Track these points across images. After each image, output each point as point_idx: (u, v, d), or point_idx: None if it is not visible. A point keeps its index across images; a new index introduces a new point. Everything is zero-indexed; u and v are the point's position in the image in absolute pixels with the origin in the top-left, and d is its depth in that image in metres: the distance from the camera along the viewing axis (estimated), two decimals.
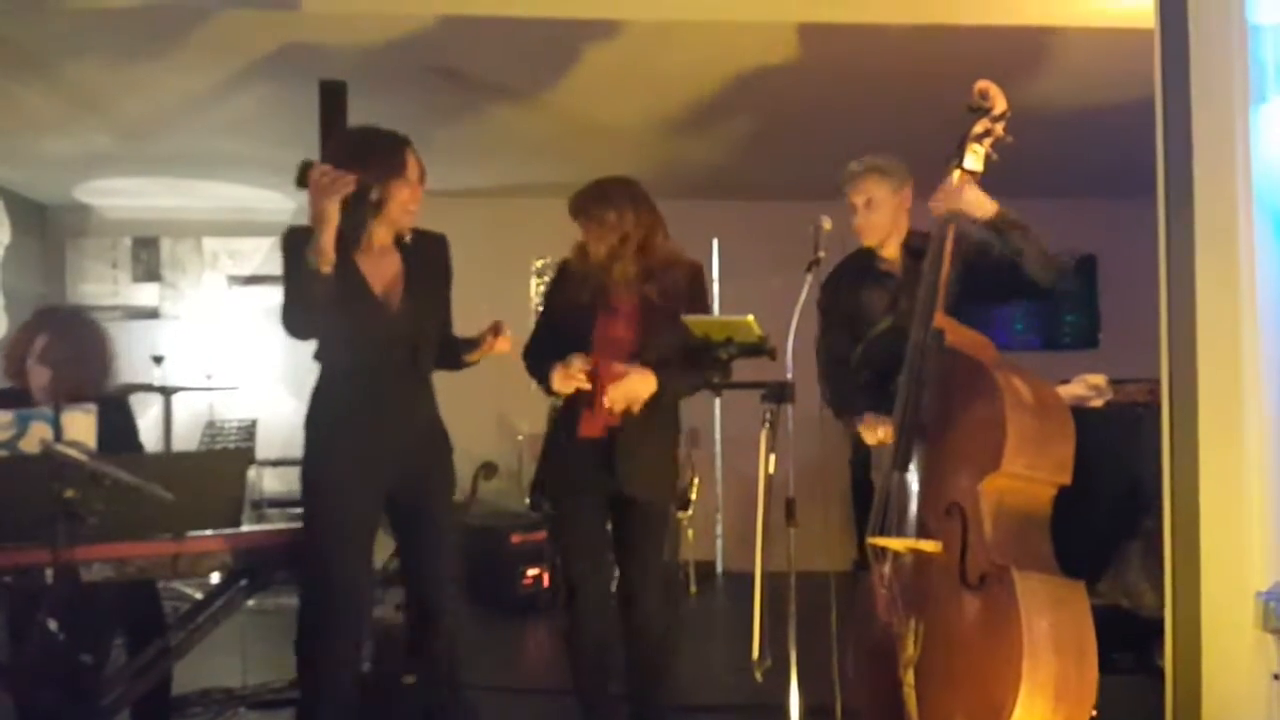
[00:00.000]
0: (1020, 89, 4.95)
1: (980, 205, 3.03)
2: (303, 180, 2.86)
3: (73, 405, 3.07)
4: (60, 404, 3.02)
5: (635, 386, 3.16)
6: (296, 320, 2.96)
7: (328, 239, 2.84)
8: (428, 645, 3.09)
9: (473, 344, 3.14)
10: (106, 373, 3.54)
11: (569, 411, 3.26)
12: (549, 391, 3.26)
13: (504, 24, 4.50)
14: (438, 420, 3.14)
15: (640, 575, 3.30)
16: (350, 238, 2.95)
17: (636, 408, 3.17)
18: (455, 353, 3.17)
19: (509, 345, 3.09)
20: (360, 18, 4.46)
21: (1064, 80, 5.13)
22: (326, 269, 2.85)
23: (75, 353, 3.44)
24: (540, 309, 3.43)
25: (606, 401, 3.16)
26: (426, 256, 3.09)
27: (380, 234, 3.02)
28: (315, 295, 2.88)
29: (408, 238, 3.05)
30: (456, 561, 3.14)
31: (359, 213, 2.94)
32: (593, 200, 3.27)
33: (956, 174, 3.03)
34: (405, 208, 2.99)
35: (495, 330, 3.09)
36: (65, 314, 3.71)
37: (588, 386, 3.15)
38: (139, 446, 3.58)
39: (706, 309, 3.36)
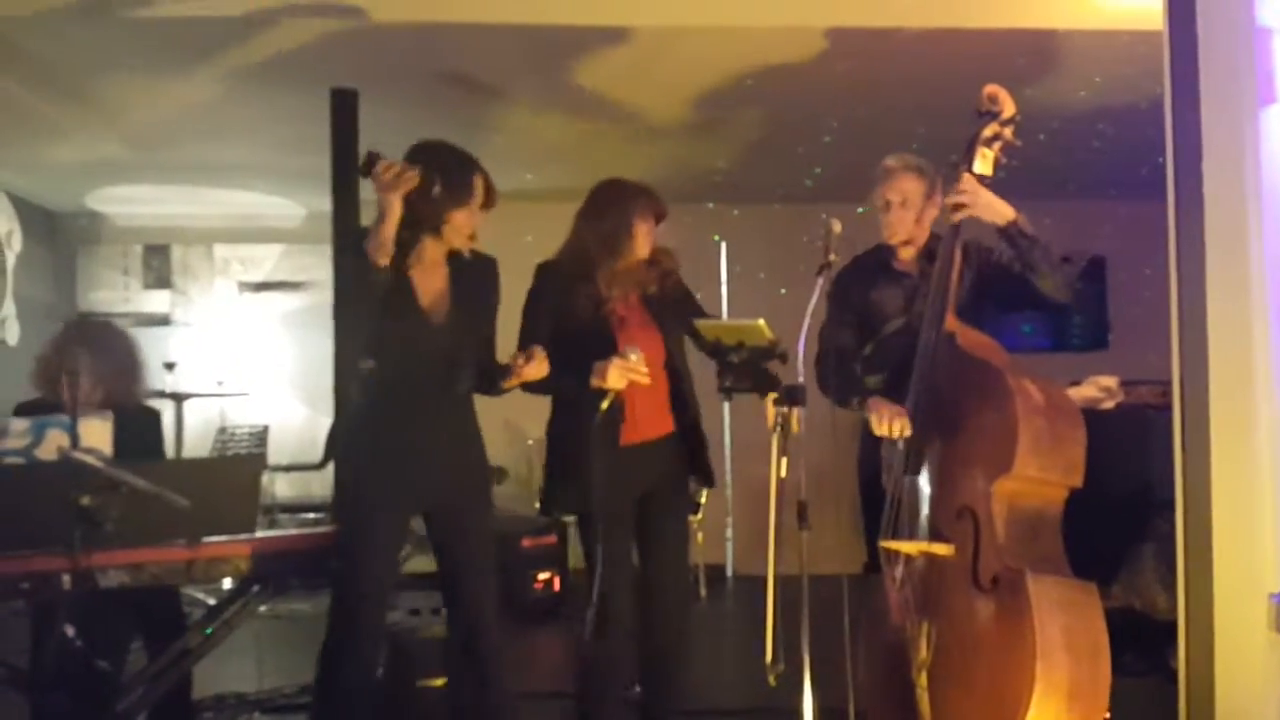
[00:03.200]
0: (1030, 91, 4.97)
1: (998, 211, 3.03)
2: (366, 170, 2.85)
3: (90, 413, 3.10)
4: (77, 412, 3.05)
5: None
6: (350, 303, 3.01)
7: (388, 231, 2.85)
8: (471, 663, 3.09)
9: (506, 370, 3.07)
10: (139, 383, 3.62)
11: (598, 421, 3.14)
12: (566, 393, 3.19)
13: (513, 30, 4.52)
14: (476, 437, 3.14)
15: (674, 570, 3.33)
16: (405, 248, 2.97)
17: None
18: (496, 379, 3.12)
19: (545, 369, 3.01)
20: (371, 26, 4.48)
21: (1073, 82, 5.13)
22: (384, 261, 2.86)
23: (112, 365, 3.51)
24: (531, 316, 3.30)
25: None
26: (476, 277, 3.10)
27: (433, 249, 3.04)
28: (369, 286, 2.89)
29: (467, 254, 3.06)
30: (494, 573, 3.12)
31: (416, 226, 2.96)
32: (658, 201, 3.30)
33: (966, 177, 3.03)
34: (460, 231, 3.01)
35: (528, 356, 3.00)
36: (99, 326, 3.77)
37: (648, 381, 3.11)
38: (163, 454, 3.64)
39: (698, 307, 3.39)
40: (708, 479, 3.42)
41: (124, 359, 3.57)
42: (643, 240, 3.26)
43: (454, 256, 3.06)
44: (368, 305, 2.93)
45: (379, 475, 2.98)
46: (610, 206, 3.27)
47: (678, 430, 3.30)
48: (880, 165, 3.33)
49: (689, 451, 3.33)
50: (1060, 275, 3.10)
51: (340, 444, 3.10)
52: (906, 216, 3.26)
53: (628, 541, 3.27)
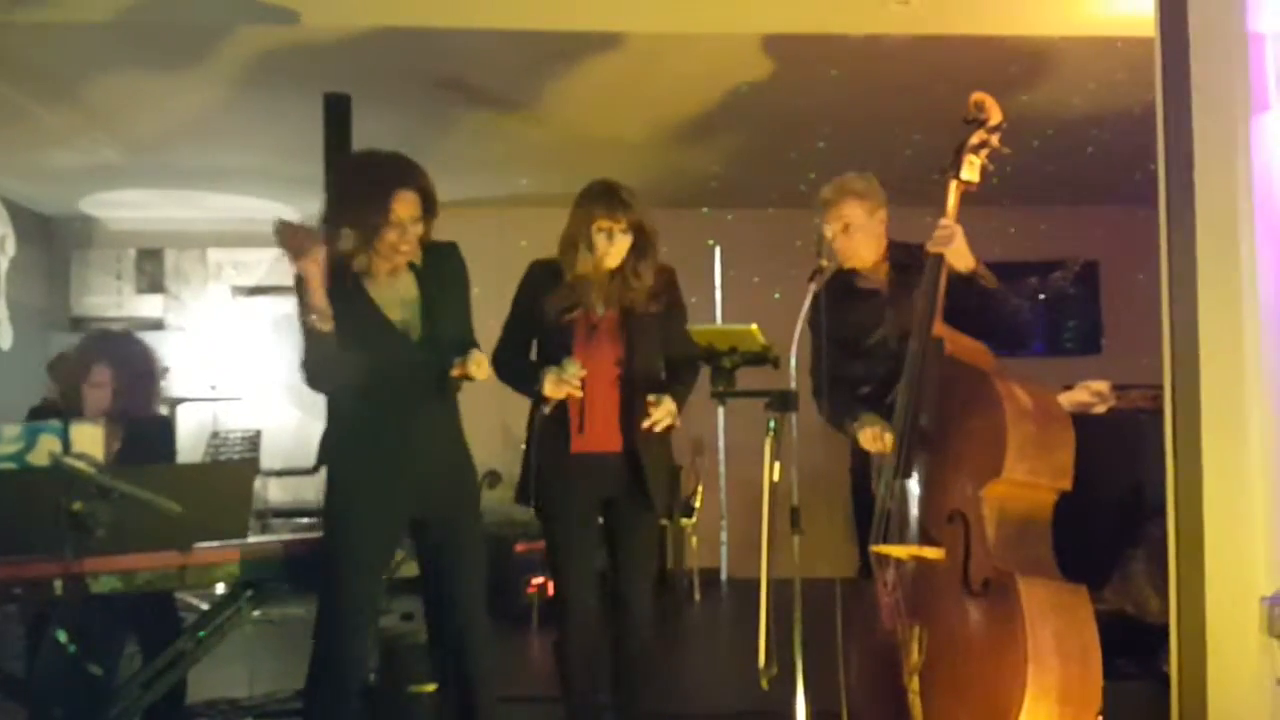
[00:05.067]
0: (1024, 98, 4.99)
1: (962, 258, 3.05)
2: (278, 241, 2.86)
3: (82, 418, 3.10)
4: (70, 417, 3.06)
5: (671, 410, 3.18)
6: (314, 377, 2.97)
7: (318, 299, 2.85)
8: (456, 668, 3.08)
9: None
10: (158, 393, 3.72)
11: (561, 424, 3.22)
12: (531, 395, 3.21)
13: (506, 37, 4.52)
14: (462, 443, 3.12)
15: (640, 580, 3.31)
16: (358, 268, 2.97)
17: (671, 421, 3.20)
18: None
19: (484, 371, 3.00)
20: (364, 31, 4.48)
21: (1067, 89, 5.15)
22: (326, 327, 2.87)
23: (134, 377, 3.59)
24: (513, 311, 3.33)
25: (651, 422, 3.13)
26: (441, 271, 3.06)
27: (382, 265, 3.00)
28: (325, 353, 2.89)
29: (417, 262, 3.02)
30: (484, 581, 3.11)
31: (353, 252, 2.95)
32: (626, 195, 3.20)
33: (953, 194, 3.04)
34: (395, 248, 2.94)
35: (464, 362, 2.98)
36: (122, 339, 3.81)
37: (579, 393, 3.11)
38: (174, 460, 3.70)
39: (685, 311, 3.36)
40: (648, 505, 3.27)
41: (145, 371, 3.64)
42: (603, 246, 3.18)
43: (413, 262, 3.02)
44: (333, 365, 2.92)
45: (363, 485, 2.97)
46: (575, 209, 3.24)
47: (624, 451, 3.23)
48: (818, 195, 3.34)
49: (632, 474, 3.23)
50: (1011, 321, 3.16)
51: (327, 452, 3.07)
52: (851, 242, 3.29)
53: (586, 544, 3.26)
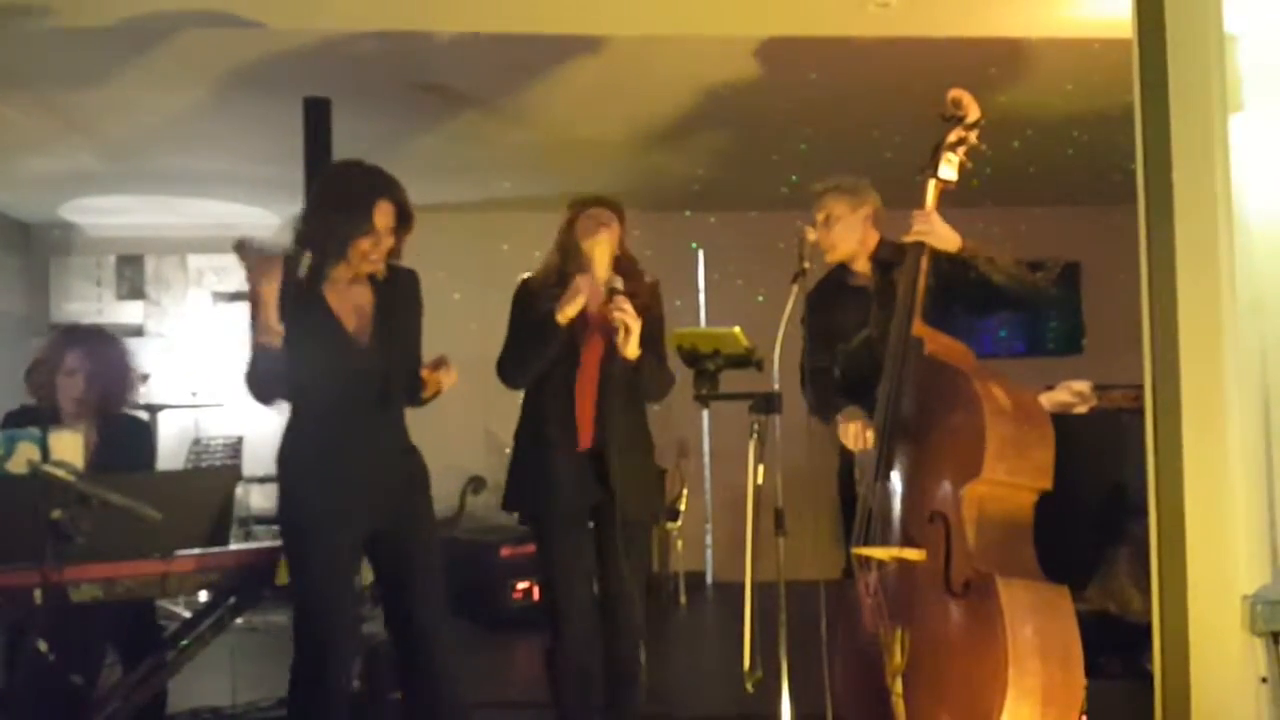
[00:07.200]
0: (1003, 99, 5.01)
1: (947, 240, 3.06)
2: (241, 258, 2.91)
3: (61, 425, 3.08)
4: (64, 418, 3.04)
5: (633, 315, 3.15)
6: (259, 390, 2.98)
7: (269, 317, 2.86)
8: (414, 675, 3.06)
9: (422, 383, 3.07)
10: (131, 388, 3.67)
11: (546, 427, 3.24)
12: (548, 344, 3.20)
13: (487, 40, 4.52)
14: (413, 452, 3.11)
15: (625, 587, 3.30)
16: (317, 274, 2.96)
17: (633, 335, 3.15)
18: (417, 390, 3.10)
19: (454, 378, 3.02)
20: (343, 35, 4.47)
21: (1045, 90, 5.17)
22: (276, 343, 2.87)
23: (105, 367, 3.54)
24: (512, 327, 3.34)
25: (616, 317, 3.10)
26: (398, 292, 3.07)
27: (346, 272, 3.00)
28: (271, 367, 2.90)
29: (380, 276, 3.03)
30: (443, 588, 3.08)
31: (321, 255, 2.94)
32: (610, 208, 3.26)
33: (931, 192, 3.05)
34: (366, 257, 2.96)
35: (435, 365, 3.03)
36: (92, 330, 3.79)
37: (586, 295, 3.13)
38: (153, 465, 3.66)
39: (662, 328, 3.35)
40: (621, 509, 3.21)
41: (117, 363, 3.61)
42: (588, 245, 3.20)
43: (374, 275, 3.02)
44: (274, 379, 2.94)
45: (312, 491, 2.96)
46: (565, 223, 3.27)
47: (592, 449, 3.23)
48: (811, 189, 3.44)
49: (608, 476, 3.21)
50: (1020, 283, 3.16)
51: (279, 466, 3.05)
52: (834, 235, 3.37)
53: (578, 548, 3.26)
